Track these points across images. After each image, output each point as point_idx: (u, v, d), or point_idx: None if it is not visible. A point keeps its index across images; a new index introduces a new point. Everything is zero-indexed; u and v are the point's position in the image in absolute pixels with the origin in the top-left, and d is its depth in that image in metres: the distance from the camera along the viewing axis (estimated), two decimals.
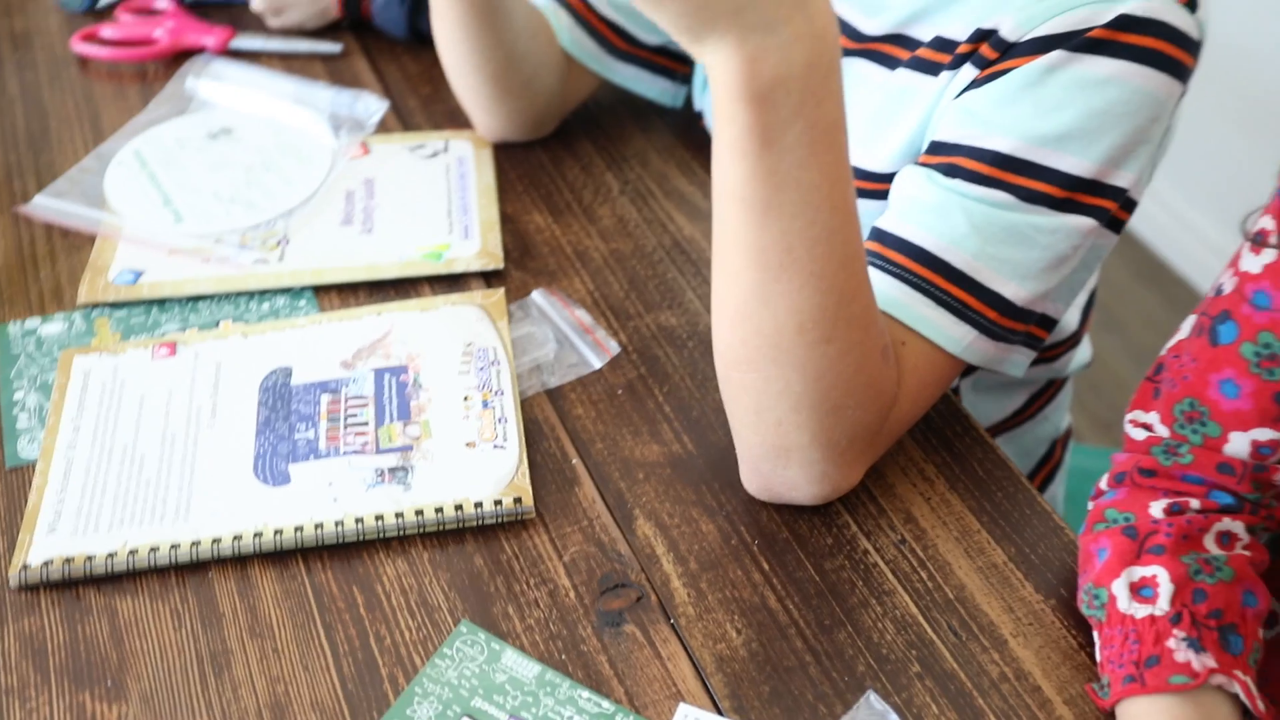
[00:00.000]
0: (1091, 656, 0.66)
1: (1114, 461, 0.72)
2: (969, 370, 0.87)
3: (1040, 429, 1.03)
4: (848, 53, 0.82)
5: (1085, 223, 0.71)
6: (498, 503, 0.72)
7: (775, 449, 0.68)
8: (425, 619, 0.67)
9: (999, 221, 0.70)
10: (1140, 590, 0.63)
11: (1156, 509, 0.66)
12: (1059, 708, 0.63)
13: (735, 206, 0.60)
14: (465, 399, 0.78)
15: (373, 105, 1.03)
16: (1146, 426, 0.70)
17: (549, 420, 0.78)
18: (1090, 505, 0.71)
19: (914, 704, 0.63)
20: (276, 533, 0.70)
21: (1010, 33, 0.71)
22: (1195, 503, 0.66)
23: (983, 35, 0.73)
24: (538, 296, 0.87)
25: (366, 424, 0.77)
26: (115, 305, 0.87)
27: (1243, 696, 0.60)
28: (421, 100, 1.08)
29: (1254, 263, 0.66)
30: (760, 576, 0.69)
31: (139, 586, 0.69)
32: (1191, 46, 0.71)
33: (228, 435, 0.77)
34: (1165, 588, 0.62)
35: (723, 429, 0.76)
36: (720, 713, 0.63)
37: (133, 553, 0.69)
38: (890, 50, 0.81)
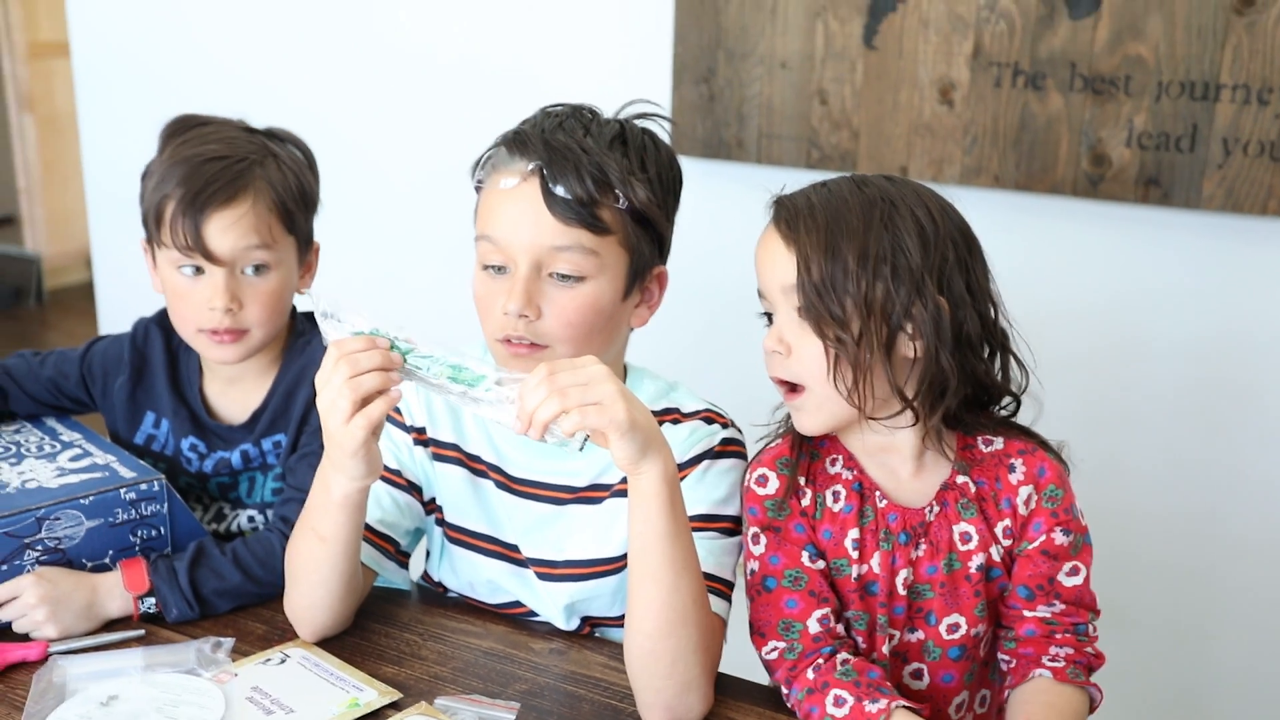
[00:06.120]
0: None
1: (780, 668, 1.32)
2: None
3: None
4: (565, 501, 1.43)
5: (740, 539, 1.38)
6: None
7: (682, 685, 1.23)
8: None
9: (716, 546, 1.34)
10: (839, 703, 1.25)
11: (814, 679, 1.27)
12: None
13: (658, 541, 1.18)
14: None
15: (223, 642, 1.40)
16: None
17: None
18: (788, 693, 1.32)
19: None
20: None
21: (678, 459, 1.38)
22: (821, 661, 1.30)
23: None
24: (443, 700, 1.31)
25: None
26: None
27: (904, 701, 1.22)
28: (233, 638, 1.45)
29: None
30: None
31: None
32: (744, 445, 1.43)
33: None
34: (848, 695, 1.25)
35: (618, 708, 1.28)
36: None
37: None
38: (594, 494, 1.43)
